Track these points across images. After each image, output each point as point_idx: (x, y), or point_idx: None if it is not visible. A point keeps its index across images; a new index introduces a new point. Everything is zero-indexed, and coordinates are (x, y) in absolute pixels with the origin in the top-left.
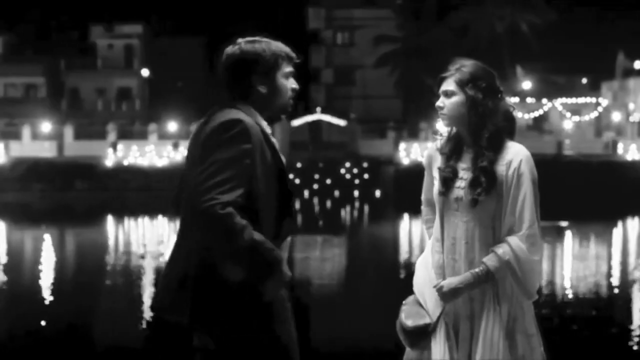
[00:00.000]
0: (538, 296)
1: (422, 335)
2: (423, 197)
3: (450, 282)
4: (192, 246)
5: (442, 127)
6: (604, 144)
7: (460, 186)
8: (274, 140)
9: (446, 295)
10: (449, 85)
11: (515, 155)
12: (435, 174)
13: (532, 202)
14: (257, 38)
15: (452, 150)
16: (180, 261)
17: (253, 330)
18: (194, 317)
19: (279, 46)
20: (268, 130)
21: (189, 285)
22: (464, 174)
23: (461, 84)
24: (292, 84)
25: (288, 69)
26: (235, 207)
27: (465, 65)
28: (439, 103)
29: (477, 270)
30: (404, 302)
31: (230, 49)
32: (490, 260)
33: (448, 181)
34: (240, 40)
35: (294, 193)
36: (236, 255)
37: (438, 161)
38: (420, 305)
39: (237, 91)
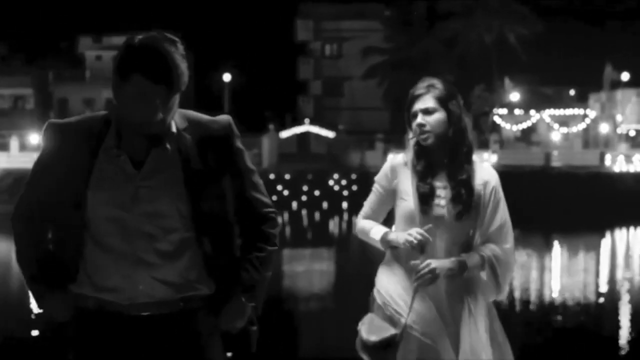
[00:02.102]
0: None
1: (389, 349)
2: (367, 210)
3: (429, 262)
4: None
5: (411, 143)
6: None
7: (440, 204)
8: (107, 154)
9: (425, 277)
10: (427, 102)
11: (491, 176)
12: (404, 188)
13: (511, 226)
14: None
15: (426, 168)
16: None
17: None
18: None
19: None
20: (107, 142)
21: None
22: (442, 192)
23: (442, 101)
24: (126, 128)
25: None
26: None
27: (437, 83)
28: (420, 121)
29: (455, 259)
30: (360, 322)
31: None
32: (468, 255)
33: (427, 198)
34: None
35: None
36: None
37: (404, 177)
38: (381, 319)
39: None
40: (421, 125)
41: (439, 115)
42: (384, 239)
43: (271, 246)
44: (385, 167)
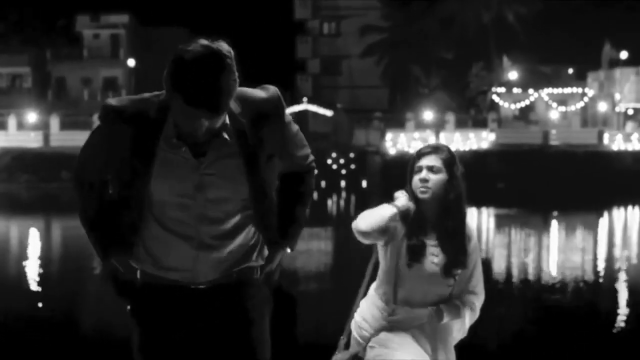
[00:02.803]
0: None
1: None
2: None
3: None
4: None
5: (402, 198)
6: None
7: (434, 261)
8: (166, 144)
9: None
10: (434, 161)
11: (472, 233)
12: (398, 244)
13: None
14: (204, 49)
15: (419, 223)
16: None
17: None
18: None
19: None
20: (165, 132)
21: None
22: (434, 250)
23: (447, 164)
24: (183, 121)
25: (182, 110)
26: (86, 179)
27: (443, 146)
28: (424, 176)
29: (434, 308)
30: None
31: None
32: (446, 306)
33: (417, 254)
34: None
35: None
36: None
37: (399, 231)
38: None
39: None
40: (424, 180)
41: (442, 176)
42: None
43: (310, 193)
44: (388, 217)
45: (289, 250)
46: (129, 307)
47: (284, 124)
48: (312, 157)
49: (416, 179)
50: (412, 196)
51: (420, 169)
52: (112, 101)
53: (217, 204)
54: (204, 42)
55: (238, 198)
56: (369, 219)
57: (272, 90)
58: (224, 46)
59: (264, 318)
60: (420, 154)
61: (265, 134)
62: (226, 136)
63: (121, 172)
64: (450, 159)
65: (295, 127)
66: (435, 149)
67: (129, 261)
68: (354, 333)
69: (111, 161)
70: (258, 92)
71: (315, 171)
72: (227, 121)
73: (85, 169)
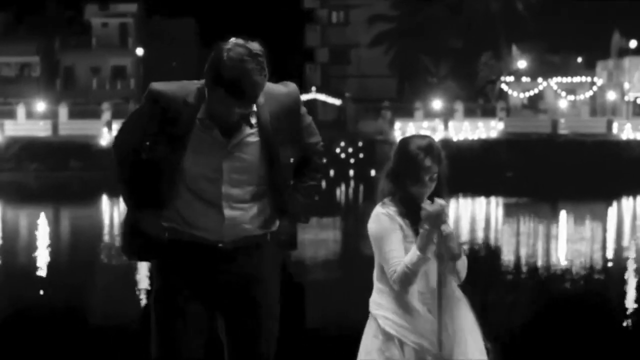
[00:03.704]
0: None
1: None
2: (396, 257)
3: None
4: None
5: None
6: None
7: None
8: (200, 125)
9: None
10: (434, 161)
11: None
12: (404, 233)
13: None
14: (246, 54)
15: (415, 213)
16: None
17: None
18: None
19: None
20: (199, 114)
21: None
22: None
23: (440, 161)
24: (219, 108)
25: (221, 100)
26: (123, 147)
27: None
28: (434, 173)
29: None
30: None
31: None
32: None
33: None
34: (240, 43)
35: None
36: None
37: (399, 223)
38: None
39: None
40: (433, 181)
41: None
42: (421, 241)
43: (321, 174)
44: (384, 217)
45: (304, 220)
46: (153, 261)
47: (300, 115)
48: (321, 143)
49: (426, 179)
50: (408, 192)
51: (429, 170)
52: (157, 85)
53: (239, 181)
54: (240, 41)
55: (256, 174)
56: (410, 276)
57: (293, 86)
58: (257, 46)
59: (275, 277)
60: (429, 151)
61: (284, 123)
62: (252, 122)
63: (159, 145)
64: (441, 155)
65: (309, 118)
66: (436, 148)
67: (159, 219)
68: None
69: (150, 134)
70: (281, 88)
71: (324, 159)
72: (254, 108)
73: (125, 138)
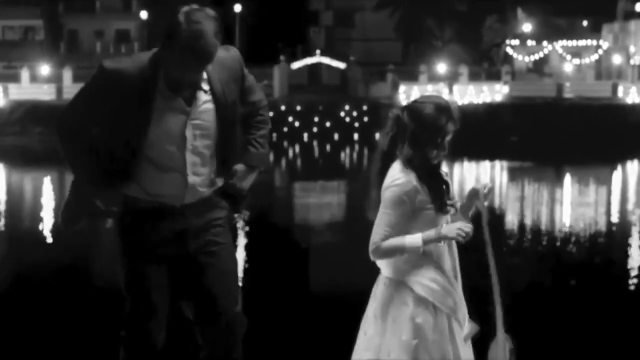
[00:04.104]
0: None
1: None
2: (388, 231)
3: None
4: None
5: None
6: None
7: (449, 203)
8: (161, 96)
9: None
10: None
11: None
12: (423, 199)
13: None
14: (203, 17)
15: (428, 176)
16: None
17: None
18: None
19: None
20: (158, 85)
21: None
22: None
23: None
24: (178, 72)
25: (181, 62)
26: (71, 127)
27: None
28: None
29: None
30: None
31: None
32: None
33: (442, 202)
34: (193, 7)
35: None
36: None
37: (418, 189)
38: None
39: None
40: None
41: None
42: (431, 238)
43: (269, 125)
44: (406, 189)
45: (264, 167)
46: (114, 226)
47: (244, 75)
48: (265, 99)
49: (446, 142)
50: (428, 156)
51: (450, 133)
52: (110, 63)
53: (200, 144)
54: (195, 6)
55: (213, 139)
56: (392, 252)
57: (234, 50)
58: (212, 11)
59: (227, 228)
60: (449, 113)
61: (231, 85)
62: (205, 88)
63: (118, 120)
64: None
65: (251, 77)
66: (454, 108)
67: (119, 197)
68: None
69: (104, 112)
70: (224, 52)
71: (269, 113)
72: (205, 75)
73: (74, 117)
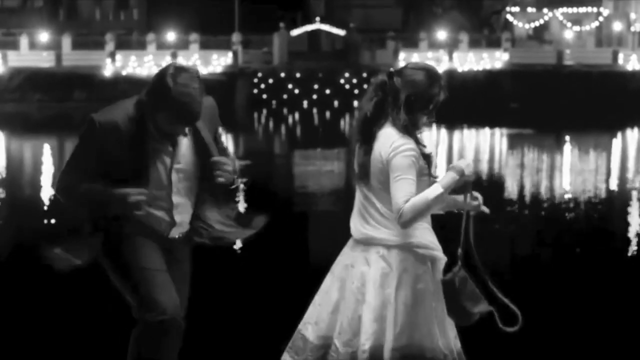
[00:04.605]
0: None
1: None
2: (409, 192)
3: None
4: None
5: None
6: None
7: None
8: (151, 140)
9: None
10: None
11: None
12: (424, 165)
13: None
14: (189, 79)
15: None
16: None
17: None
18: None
19: (180, 103)
20: (132, 127)
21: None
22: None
23: None
24: (166, 128)
25: (172, 118)
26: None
27: None
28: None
29: None
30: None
31: (170, 66)
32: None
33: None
34: (178, 66)
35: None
36: (84, 207)
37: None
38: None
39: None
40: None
41: None
42: (448, 181)
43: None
44: (413, 156)
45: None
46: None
47: (218, 120)
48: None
49: (433, 109)
50: (419, 122)
51: (439, 100)
52: (97, 116)
53: (182, 186)
54: (179, 65)
55: (192, 179)
56: (421, 210)
57: (211, 98)
58: (195, 68)
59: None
60: (441, 82)
61: (208, 129)
62: (186, 132)
63: (116, 169)
64: None
65: (219, 123)
66: (442, 77)
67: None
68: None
69: (102, 164)
70: (205, 99)
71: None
72: None
73: (74, 180)
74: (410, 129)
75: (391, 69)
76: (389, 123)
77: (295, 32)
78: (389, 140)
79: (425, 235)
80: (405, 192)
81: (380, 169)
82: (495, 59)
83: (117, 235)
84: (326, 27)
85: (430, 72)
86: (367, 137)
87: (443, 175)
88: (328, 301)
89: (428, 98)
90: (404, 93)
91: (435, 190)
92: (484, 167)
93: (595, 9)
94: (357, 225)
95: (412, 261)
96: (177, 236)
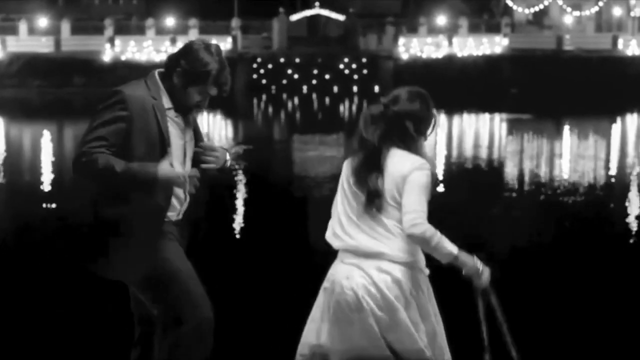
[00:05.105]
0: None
1: None
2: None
3: None
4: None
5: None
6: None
7: None
8: (169, 116)
9: None
10: None
11: None
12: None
13: None
14: (215, 49)
15: None
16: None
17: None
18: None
19: (219, 70)
20: (165, 106)
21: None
22: None
23: None
24: (198, 99)
25: (207, 89)
26: (99, 159)
27: None
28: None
29: None
30: None
31: (196, 43)
32: None
33: None
34: (205, 42)
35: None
36: (114, 185)
37: None
38: None
39: (165, 67)
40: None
41: None
42: (463, 260)
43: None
44: (430, 175)
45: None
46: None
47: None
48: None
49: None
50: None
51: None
52: (126, 89)
53: (189, 163)
54: (204, 40)
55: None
56: (437, 248)
57: None
58: (217, 45)
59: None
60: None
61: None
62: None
63: (140, 143)
64: None
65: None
66: None
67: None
68: None
69: (126, 136)
70: None
71: None
72: None
73: (96, 151)
74: (421, 151)
75: (383, 100)
76: (395, 147)
77: (294, 17)
78: (407, 160)
79: (423, 256)
80: (423, 208)
81: (397, 188)
82: (495, 44)
83: (132, 233)
84: (326, 12)
85: (424, 97)
86: (377, 165)
87: (467, 254)
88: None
89: (429, 121)
90: (409, 121)
91: (453, 248)
92: (483, 152)
93: None
94: (362, 241)
95: (417, 277)
96: (180, 216)
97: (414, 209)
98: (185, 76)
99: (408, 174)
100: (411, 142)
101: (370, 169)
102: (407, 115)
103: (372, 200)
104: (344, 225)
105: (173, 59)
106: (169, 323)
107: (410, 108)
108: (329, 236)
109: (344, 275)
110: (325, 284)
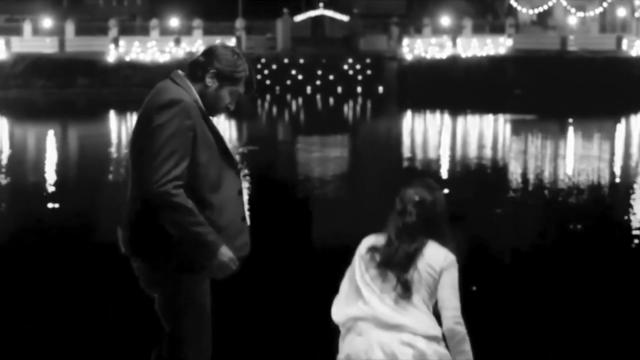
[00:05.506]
0: None
1: None
2: None
3: None
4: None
5: None
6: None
7: None
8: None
9: None
10: None
11: None
12: None
13: None
14: (240, 51)
15: None
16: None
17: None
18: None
19: (250, 70)
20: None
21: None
22: None
23: None
24: (228, 100)
25: (239, 90)
26: (181, 180)
27: None
28: None
29: None
30: None
31: (220, 46)
32: None
33: None
34: (226, 45)
35: (234, 161)
36: (181, 236)
37: None
38: None
39: (193, 70)
40: None
41: None
42: None
43: None
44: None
45: None
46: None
47: None
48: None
49: None
50: None
51: None
52: (179, 96)
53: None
54: (225, 44)
55: None
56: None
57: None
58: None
59: None
60: None
61: None
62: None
63: (204, 151)
64: None
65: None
66: None
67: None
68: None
69: (197, 146)
70: None
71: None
72: None
73: (179, 176)
74: (448, 238)
75: (417, 198)
76: (427, 239)
77: (298, 18)
78: (440, 253)
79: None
80: (458, 303)
81: (433, 280)
82: (499, 45)
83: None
84: (330, 13)
85: (441, 192)
86: (413, 259)
87: None
88: None
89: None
90: (440, 214)
91: (470, 354)
92: (487, 153)
93: None
94: (386, 312)
95: (440, 351)
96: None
97: (454, 305)
98: (220, 77)
99: (443, 268)
100: (442, 235)
101: (408, 259)
102: (440, 207)
103: (408, 289)
104: (363, 295)
105: (203, 62)
106: (172, 348)
107: (440, 201)
108: (339, 304)
109: (362, 349)
110: (340, 356)
